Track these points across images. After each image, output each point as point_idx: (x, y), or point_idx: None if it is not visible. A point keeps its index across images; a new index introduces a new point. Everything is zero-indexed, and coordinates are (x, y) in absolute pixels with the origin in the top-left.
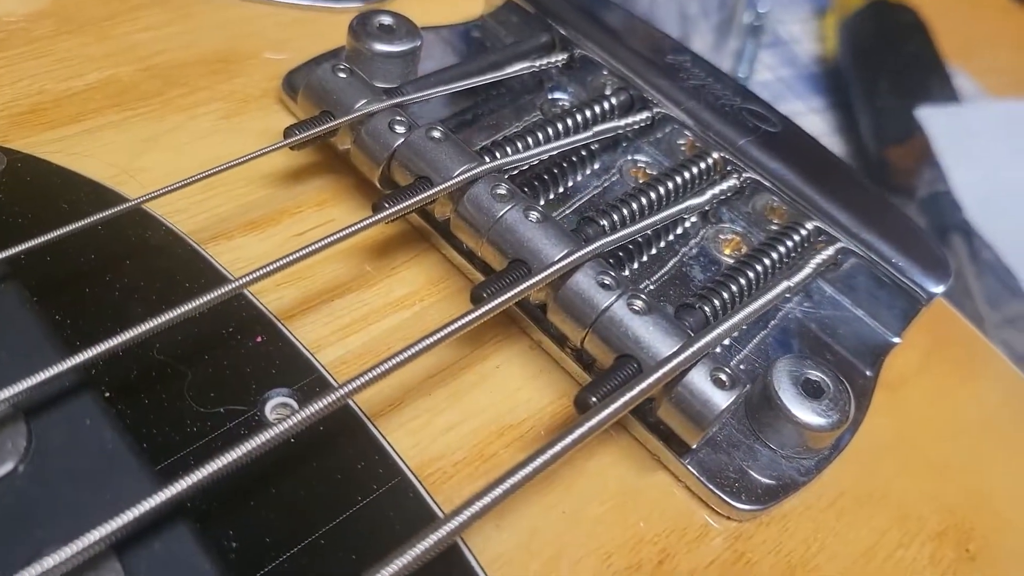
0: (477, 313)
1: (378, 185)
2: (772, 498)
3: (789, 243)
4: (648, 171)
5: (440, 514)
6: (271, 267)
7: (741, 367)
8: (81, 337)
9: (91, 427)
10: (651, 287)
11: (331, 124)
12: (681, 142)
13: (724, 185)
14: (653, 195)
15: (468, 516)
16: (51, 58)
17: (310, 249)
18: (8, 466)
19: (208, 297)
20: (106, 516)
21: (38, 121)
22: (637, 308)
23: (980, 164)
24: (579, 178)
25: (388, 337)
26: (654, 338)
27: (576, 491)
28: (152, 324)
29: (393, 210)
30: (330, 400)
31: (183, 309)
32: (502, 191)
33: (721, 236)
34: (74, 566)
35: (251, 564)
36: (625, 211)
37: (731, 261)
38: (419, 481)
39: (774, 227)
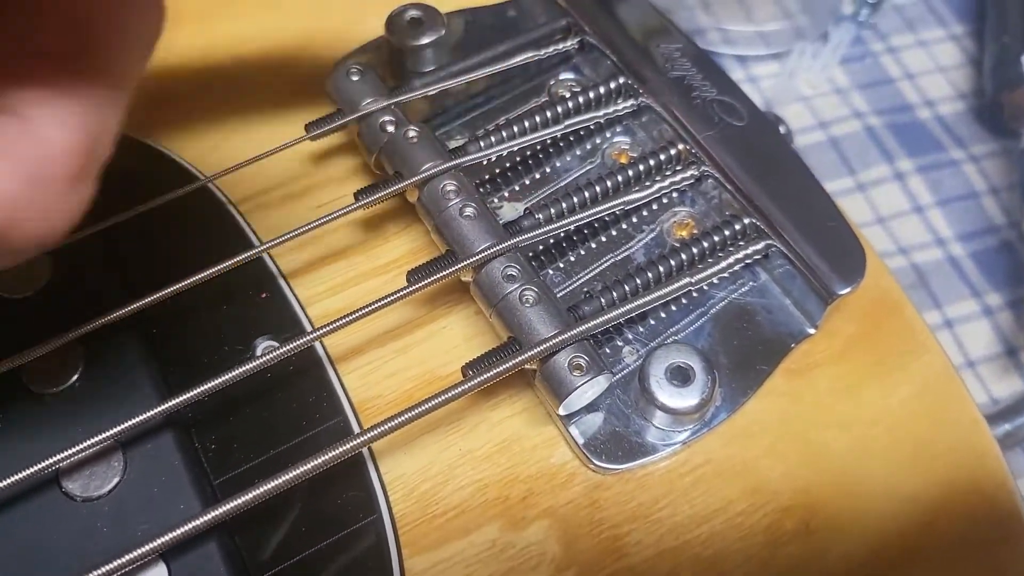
0: (408, 290)
1: (374, 171)
2: (630, 459)
3: (717, 237)
4: (630, 153)
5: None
6: (286, 236)
7: (674, 339)
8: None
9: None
10: (602, 268)
11: (340, 123)
12: (662, 129)
13: (684, 175)
14: (599, 188)
15: (363, 440)
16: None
17: (315, 224)
18: None
19: (234, 261)
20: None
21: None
22: (527, 300)
23: None
24: (565, 160)
25: (367, 296)
26: (534, 326)
27: (475, 434)
28: (189, 282)
29: (366, 200)
30: (295, 345)
31: (215, 269)
32: (451, 187)
33: (676, 220)
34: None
35: (219, 467)
36: (565, 205)
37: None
38: (355, 414)
39: (723, 217)
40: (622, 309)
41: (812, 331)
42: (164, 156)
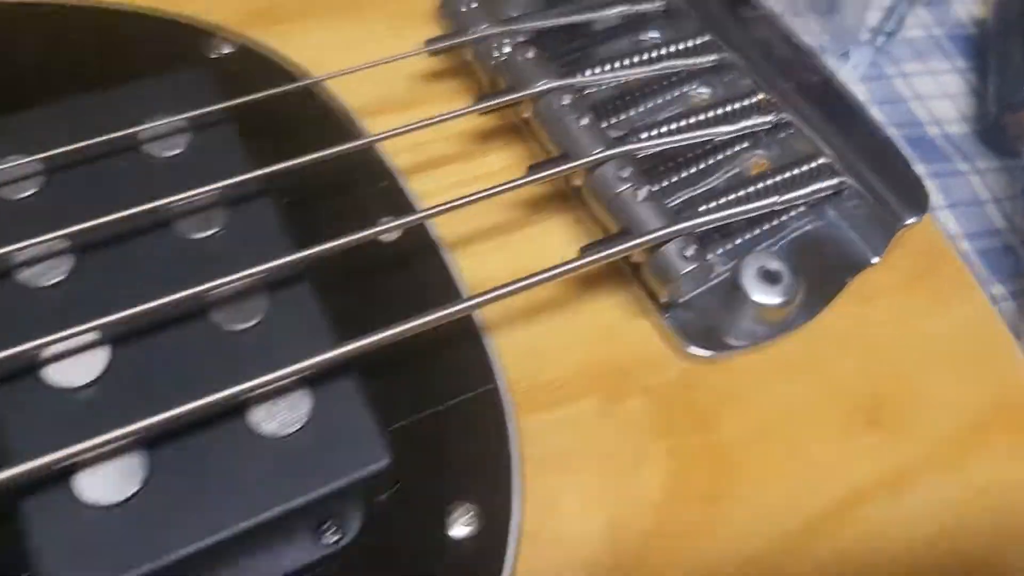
0: (523, 180)
1: (486, 91)
2: (723, 349)
3: (796, 171)
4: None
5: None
6: (399, 130)
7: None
8: None
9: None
10: (693, 194)
11: (459, 40)
12: (742, 81)
13: (762, 119)
14: (692, 119)
15: (475, 303)
16: None
17: (427, 122)
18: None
19: (349, 145)
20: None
21: (269, 19)
22: (640, 197)
23: None
24: (650, 105)
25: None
26: (646, 218)
27: (579, 318)
28: (296, 161)
29: (485, 104)
30: (413, 217)
31: (324, 152)
32: (566, 101)
33: (754, 161)
34: None
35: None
36: (664, 128)
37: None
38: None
39: (797, 157)
40: (730, 211)
41: (876, 259)
42: (270, 61)
